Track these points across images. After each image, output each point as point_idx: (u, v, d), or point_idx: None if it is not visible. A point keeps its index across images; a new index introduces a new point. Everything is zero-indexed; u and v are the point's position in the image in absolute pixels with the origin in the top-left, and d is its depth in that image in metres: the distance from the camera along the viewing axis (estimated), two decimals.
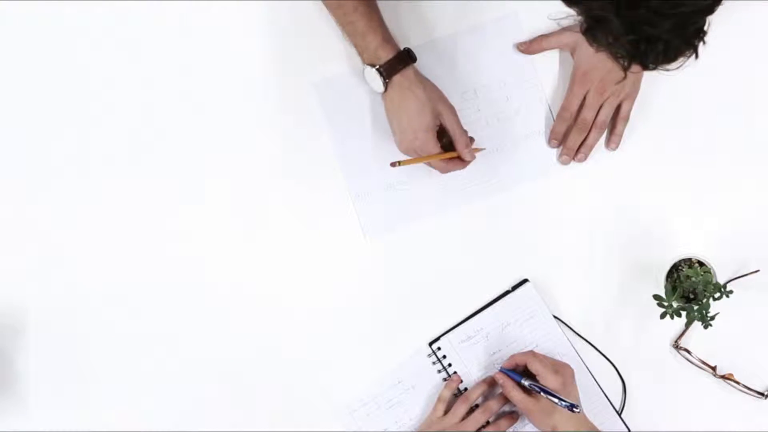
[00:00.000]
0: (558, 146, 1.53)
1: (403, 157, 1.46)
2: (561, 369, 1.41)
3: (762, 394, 1.49)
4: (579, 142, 1.51)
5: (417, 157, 1.46)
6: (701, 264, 1.46)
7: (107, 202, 1.50)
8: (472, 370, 1.49)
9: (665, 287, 1.44)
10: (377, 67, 1.43)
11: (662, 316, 1.39)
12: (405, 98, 1.43)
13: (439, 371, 1.49)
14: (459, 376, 1.49)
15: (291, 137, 1.52)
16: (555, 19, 1.48)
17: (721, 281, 1.45)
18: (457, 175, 1.49)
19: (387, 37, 1.44)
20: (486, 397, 1.48)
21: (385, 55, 1.43)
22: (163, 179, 1.50)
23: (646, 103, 1.52)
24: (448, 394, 1.47)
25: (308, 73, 1.51)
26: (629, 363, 1.50)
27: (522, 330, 1.50)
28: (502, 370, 1.46)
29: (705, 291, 1.40)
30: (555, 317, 1.50)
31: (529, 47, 1.52)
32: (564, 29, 1.50)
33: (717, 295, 1.40)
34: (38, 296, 1.49)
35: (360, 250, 1.51)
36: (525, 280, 1.50)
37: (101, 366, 1.48)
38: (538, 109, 1.53)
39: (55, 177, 1.50)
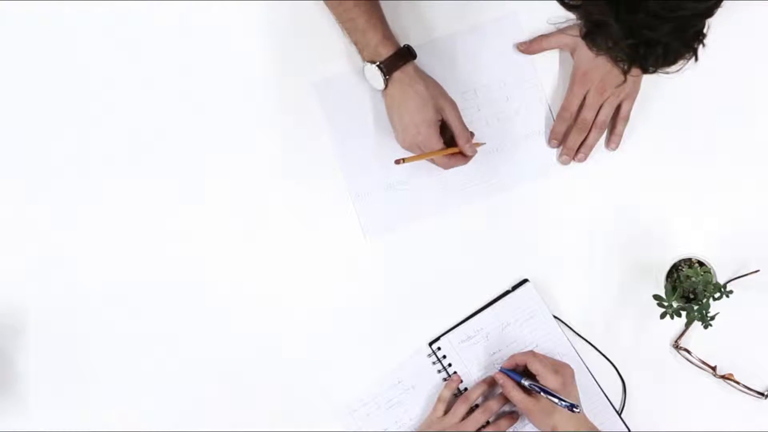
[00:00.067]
0: (558, 146, 1.53)
1: (405, 155, 1.46)
2: (561, 369, 1.41)
3: (762, 394, 1.49)
4: (579, 142, 1.51)
5: (420, 153, 1.46)
6: (701, 264, 1.46)
7: (107, 202, 1.50)
8: (472, 370, 1.49)
9: (665, 287, 1.44)
10: (377, 63, 1.43)
11: (662, 316, 1.39)
12: (406, 94, 1.43)
13: (439, 371, 1.50)
14: (459, 376, 1.49)
15: (291, 137, 1.51)
16: (555, 24, 1.48)
17: (721, 281, 1.45)
18: (457, 175, 1.49)
19: (387, 34, 1.44)
20: (486, 397, 1.48)
21: (386, 52, 1.42)
22: (163, 179, 1.50)
23: (646, 103, 1.52)
24: (448, 394, 1.47)
25: (308, 73, 1.51)
26: (629, 363, 1.50)
27: (522, 330, 1.50)
28: (502, 370, 1.46)
29: (705, 291, 1.40)
30: (555, 317, 1.50)
31: (529, 47, 1.52)
32: (564, 29, 1.50)
33: (717, 295, 1.40)
34: (38, 296, 1.49)
35: (360, 250, 1.51)
36: (525, 280, 1.50)
37: (101, 366, 1.48)
38: (538, 109, 1.53)
39: (55, 177, 1.50)
